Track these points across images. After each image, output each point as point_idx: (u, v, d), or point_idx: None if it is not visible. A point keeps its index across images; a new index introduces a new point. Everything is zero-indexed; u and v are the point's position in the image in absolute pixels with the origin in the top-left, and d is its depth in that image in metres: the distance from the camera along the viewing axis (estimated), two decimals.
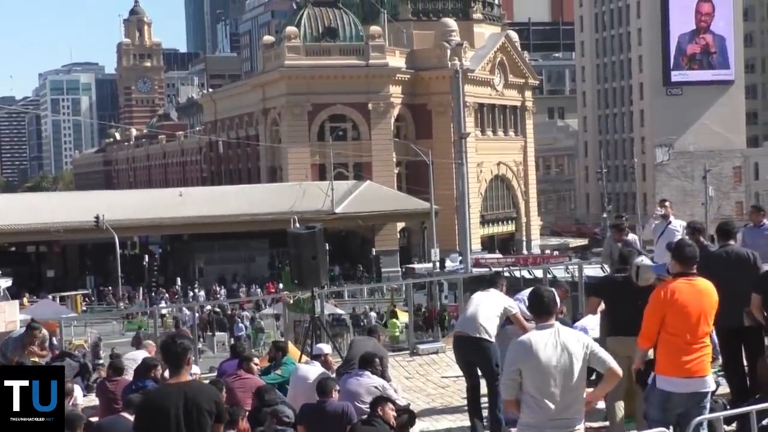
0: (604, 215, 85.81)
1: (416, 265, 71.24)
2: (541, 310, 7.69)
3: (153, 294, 68.97)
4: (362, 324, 46.78)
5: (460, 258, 50.76)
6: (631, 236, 16.08)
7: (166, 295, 69.01)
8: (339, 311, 47.98)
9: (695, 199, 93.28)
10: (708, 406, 8.52)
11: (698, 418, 7.19)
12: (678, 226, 15.08)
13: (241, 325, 47.73)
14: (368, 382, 11.57)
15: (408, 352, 17.65)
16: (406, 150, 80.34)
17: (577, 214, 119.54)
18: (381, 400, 10.12)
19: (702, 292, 8.59)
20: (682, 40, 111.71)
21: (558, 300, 11.05)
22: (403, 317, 39.90)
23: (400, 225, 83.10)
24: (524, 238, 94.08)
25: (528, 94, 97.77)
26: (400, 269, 75.45)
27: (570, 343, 7.47)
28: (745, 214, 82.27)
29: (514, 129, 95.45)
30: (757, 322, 10.72)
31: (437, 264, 61.60)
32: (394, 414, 10.12)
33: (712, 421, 7.69)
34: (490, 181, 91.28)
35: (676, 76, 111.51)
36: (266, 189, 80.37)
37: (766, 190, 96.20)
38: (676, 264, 8.70)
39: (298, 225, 36.09)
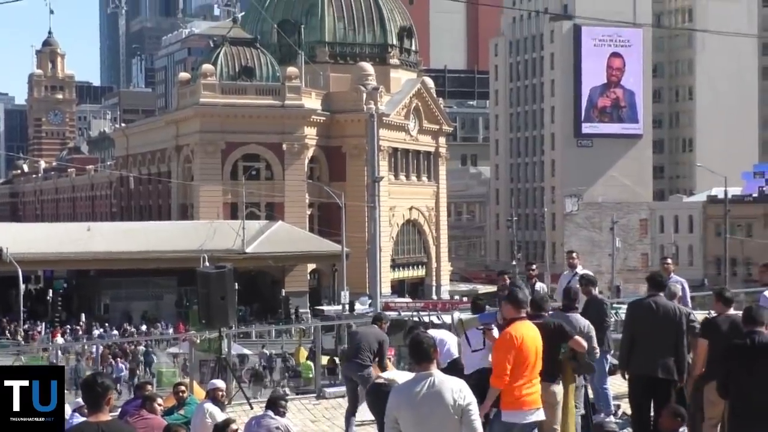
0: (514, 263, 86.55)
1: (325, 307, 71.04)
2: (420, 357, 7.61)
3: (55, 329, 67.54)
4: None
5: (370, 301, 50.79)
6: (539, 285, 16.40)
7: (67, 328, 67.71)
8: (246, 351, 47.54)
9: (602, 250, 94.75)
10: None
11: None
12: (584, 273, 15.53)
13: (121, 365, 46.73)
14: (270, 423, 11.50)
15: (315, 395, 17.53)
16: (319, 192, 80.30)
17: (487, 261, 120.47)
18: None
19: (535, 334, 9.47)
20: (593, 93, 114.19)
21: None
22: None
23: (311, 266, 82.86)
24: (434, 283, 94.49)
25: (442, 140, 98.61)
26: (309, 310, 75.11)
27: (445, 392, 7.39)
28: (651, 266, 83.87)
29: (427, 174, 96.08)
30: (671, 374, 11.06)
31: (347, 306, 61.51)
32: None
33: None
34: (402, 226, 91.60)
35: (586, 128, 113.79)
36: (176, 226, 79.50)
37: (671, 243, 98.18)
38: (511, 309, 9.52)
39: (207, 264, 35.74)
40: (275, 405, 11.95)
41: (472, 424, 7.39)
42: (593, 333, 12.06)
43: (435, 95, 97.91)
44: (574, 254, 16.95)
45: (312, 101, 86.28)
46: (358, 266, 72.48)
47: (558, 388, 10.93)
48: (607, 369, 13.94)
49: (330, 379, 31.49)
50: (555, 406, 10.92)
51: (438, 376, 7.53)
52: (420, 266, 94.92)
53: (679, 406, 9.99)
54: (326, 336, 46.37)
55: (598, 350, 12.38)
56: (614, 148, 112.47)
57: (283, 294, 77.24)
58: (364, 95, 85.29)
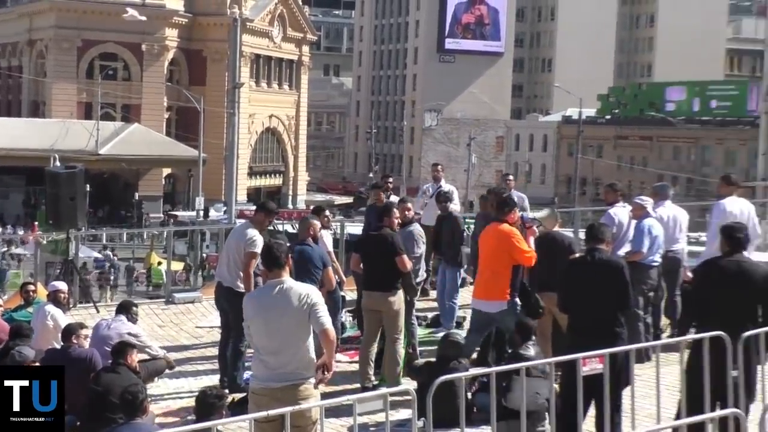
0: (371, 175, 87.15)
1: (179, 213, 70.36)
2: (271, 264, 7.65)
3: None
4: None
5: (225, 208, 50.41)
6: (393, 197, 16.54)
7: None
8: (96, 254, 46.81)
9: (458, 165, 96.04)
10: (502, 323, 10.47)
11: (440, 379, 7.39)
12: (448, 189, 15.85)
13: None
14: (121, 327, 11.37)
15: (164, 300, 17.39)
16: (178, 95, 78.84)
17: (345, 173, 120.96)
18: (125, 346, 9.89)
19: (493, 233, 10.46)
20: (458, 9, 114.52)
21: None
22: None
23: (166, 171, 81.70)
24: (291, 193, 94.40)
25: (305, 49, 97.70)
26: (162, 215, 74.22)
27: (292, 297, 7.46)
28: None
29: (289, 83, 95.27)
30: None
31: (201, 213, 61.00)
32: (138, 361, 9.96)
33: (454, 381, 7.91)
34: (261, 134, 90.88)
35: (449, 43, 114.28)
36: (26, 124, 76.96)
37: (525, 161, 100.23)
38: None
39: (58, 164, 34.82)
40: (128, 310, 11.82)
41: (319, 320, 7.44)
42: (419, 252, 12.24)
43: (300, 3, 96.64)
44: (439, 167, 17.06)
45: (174, 2, 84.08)
46: (215, 173, 71.88)
47: (394, 298, 11.04)
48: (459, 283, 14.21)
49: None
50: (393, 316, 11.06)
51: (288, 282, 7.58)
52: (277, 175, 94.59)
53: (527, 320, 10.22)
54: (179, 241, 46.14)
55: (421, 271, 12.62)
56: (475, 65, 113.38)
57: (136, 198, 76.05)
58: None
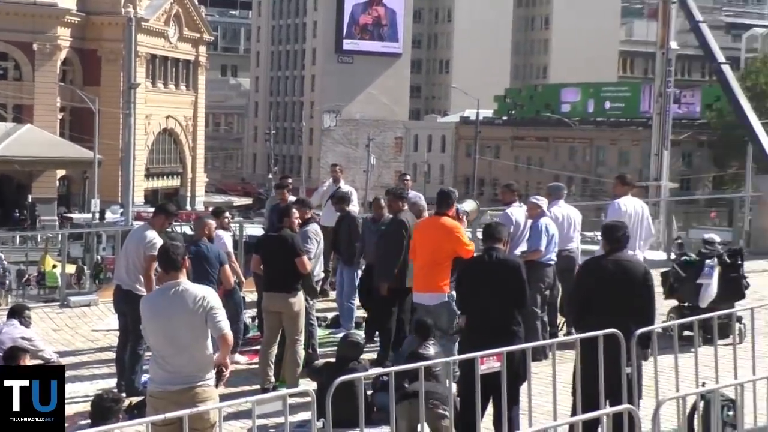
0: (270, 176, 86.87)
1: (75, 215, 69.15)
2: (168, 265, 7.62)
3: None
4: None
5: (122, 210, 49.79)
6: (291, 198, 16.52)
7: None
8: None
9: (358, 166, 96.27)
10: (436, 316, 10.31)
11: (339, 379, 7.39)
12: (347, 190, 15.92)
13: None
14: (13, 331, 11.16)
15: (58, 303, 17.06)
16: (72, 96, 77.40)
17: (243, 174, 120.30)
18: (18, 351, 9.68)
19: (436, 226, 10.56)
20: (356, 10, 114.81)
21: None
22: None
23: (61, 172, 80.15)
24: (189, 194, 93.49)
25: (202, 49, 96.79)
26: (57, 218, 72.86)
27: (187, 299, 7.44)
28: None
29: (186, 83, 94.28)
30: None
31: (97, 215, 60.05)
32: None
33: (354, 382, 7.93)
34: (158, 135, 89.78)
35: (347, 44, 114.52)
36: None
37: (424, 162, 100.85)
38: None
39: None
40: (20, 314, 11.58)
41: (217, 325, 7.45)
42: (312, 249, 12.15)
43: (196, 2, 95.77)
44: (338, 168, 17.30)
45: (66, 0, 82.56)
46: (111, 174, 70.83)
47: (294, 299, 11.04)
48: (356, 284, 14.23)
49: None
50: (294, 317, 11.05)
51: (184, 284, 7.55)
52: (175, 176, 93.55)
53: (426, 319, 10.27)
54: (74, 244, 45.32)
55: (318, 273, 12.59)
56: (374, 65, 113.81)
57: (30, 200, 74.47)
58: None
